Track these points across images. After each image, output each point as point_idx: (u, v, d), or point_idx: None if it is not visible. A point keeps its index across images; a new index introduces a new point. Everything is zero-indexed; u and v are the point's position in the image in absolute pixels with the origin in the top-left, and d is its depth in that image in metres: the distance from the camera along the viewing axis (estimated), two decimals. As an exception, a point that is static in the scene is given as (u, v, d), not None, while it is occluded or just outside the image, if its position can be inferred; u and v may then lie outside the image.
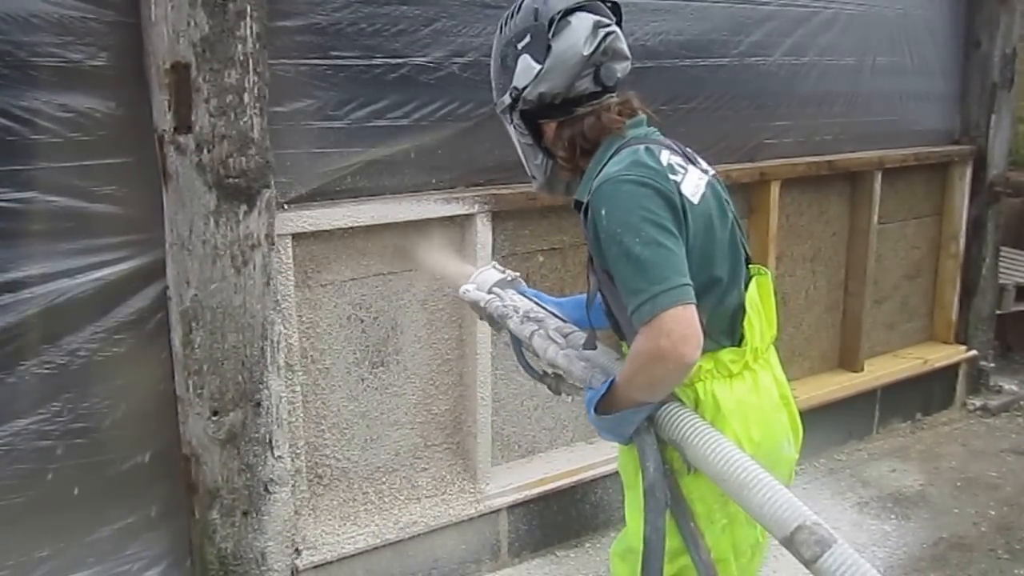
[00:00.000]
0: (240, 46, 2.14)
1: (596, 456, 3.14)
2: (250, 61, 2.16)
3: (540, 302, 1.96)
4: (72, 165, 2.07)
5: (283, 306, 2.39)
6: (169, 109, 2.07)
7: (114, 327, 2.19)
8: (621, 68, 1.71)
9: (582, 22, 1.65)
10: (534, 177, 1.82)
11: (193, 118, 2.10)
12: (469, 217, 2.73)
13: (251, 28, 2.15)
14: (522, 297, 1.96)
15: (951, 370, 4.38)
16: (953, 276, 4.35)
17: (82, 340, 2.15)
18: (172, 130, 2.09)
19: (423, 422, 2.86)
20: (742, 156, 3.47)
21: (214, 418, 2.27)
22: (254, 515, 2.40)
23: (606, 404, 1.59)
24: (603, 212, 1.54)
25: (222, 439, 2.30)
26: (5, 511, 2.11)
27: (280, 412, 2.40)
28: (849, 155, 3.80)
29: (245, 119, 2.18)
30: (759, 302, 1.69)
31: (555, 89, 1.67)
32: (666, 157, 1.60)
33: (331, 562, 2.62)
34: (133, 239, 2.19)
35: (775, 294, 1.76)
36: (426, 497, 2.87)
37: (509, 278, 2.00)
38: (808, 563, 1.24)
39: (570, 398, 1.94)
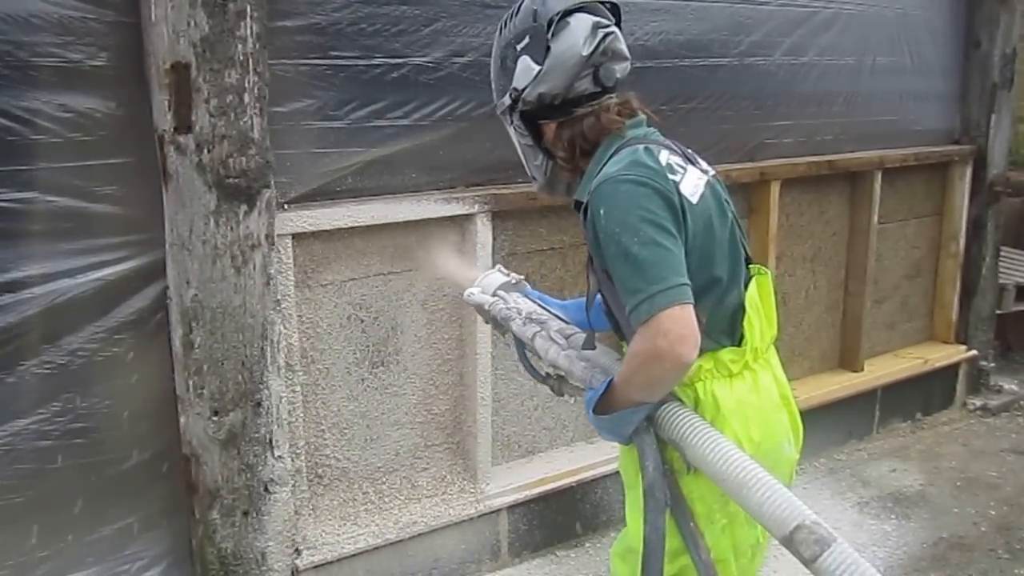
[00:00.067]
0: (240, 46, 2.14)
1: (596, 456, 3.14)
2: (250, 61, 2.16)
3: (544, 304, 1.96)
4: (72, 165, 2.07)
5: (283, 306, 2.39)
6: (169, 109, 2.07)
7: (114, 327, 2.19)
8: (620, 68, 1.71)
9: (581, 23, 1.65)
10: (534, 178, 1.83)
11: (193, 118, 2.10)
12: (469, 217, 2.73)
13: (251, 28, 2.15)
14: (526, 300, 1.97)
15: (951, 370, 4.38)
16: (953, 276, 4.35)
17: (82, 340, 2.15)
18: (172, 130, 2.09)
19: (423, 422, 2.86)
20: (742, 156, 3.47)
21: (214, 418, 2.27)
22: (254, 515, 2.40)
23: (605, 404, 1.59)
24: (602, 212, 1.54)
25: (222, 439, 2.30)
26: (5, 511, 2.11)
27: (280, 412, 2.40)
28: (849, 155, 3.80)
29: (245, 119, 2.18)
30: (759, 302, 1.69)
31: (554, 90, 1.67)
32: (665, 157, 1.60)
33: (331, 562, 2.62)
34: (133, 239, 2.19)
35: (775, 294, 1.76)
36: (426, 497, 2.87)
37: (514, 281, 2.01)
38: (808, 562, 1.24)
39: (572, 399, 1.95)
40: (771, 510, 1.31)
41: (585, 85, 1.68)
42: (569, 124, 1.71)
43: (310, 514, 2.63)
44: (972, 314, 4.43)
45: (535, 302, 1.96)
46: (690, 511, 1.62)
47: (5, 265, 2.02)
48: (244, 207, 2.22)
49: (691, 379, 1.62)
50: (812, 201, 3.80)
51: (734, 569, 1.68)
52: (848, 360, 4.04)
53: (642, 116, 1.73)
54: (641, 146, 1.62)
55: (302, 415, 2.55)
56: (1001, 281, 4.58)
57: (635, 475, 1.64)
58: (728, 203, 1.70)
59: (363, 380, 2.71)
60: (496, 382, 2.95)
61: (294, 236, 2.43)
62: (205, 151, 2.13)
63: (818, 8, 3.55)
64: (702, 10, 3.18)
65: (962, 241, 4.32)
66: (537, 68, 1.66)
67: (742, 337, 1.65)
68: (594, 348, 1.75)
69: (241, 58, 2.14)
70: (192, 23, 2.05)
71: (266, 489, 2.40)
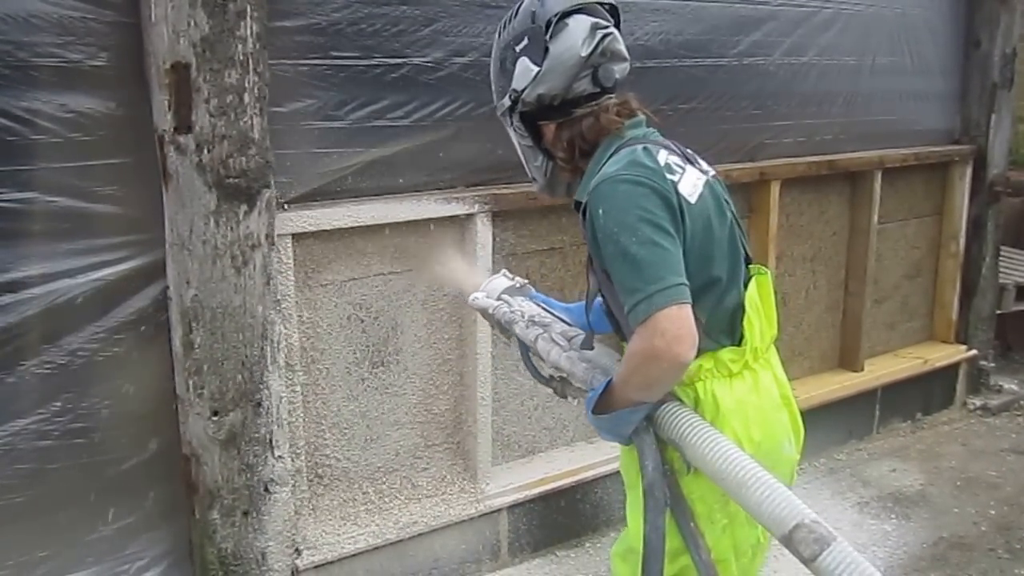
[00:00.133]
0: (240, 46, 2.14)
1: (596, 456, 3.14)
2: (250, 61, 2.16)
3: (548, 308, 1.97)
4: (72, 165, 2.07)
5: (283, 306, 2.40)
6: (169, 109, 2.07)
7: (114, 327, 2.19)
8: (619, 69, 1.72)
9: (579, 24, 1.65)
10: (534, 179, 1.83)
11: (193, 118, 2.10)
12: (469, 217, 2.73)
13: (251, 28, 2.15)
14: (530, 303, 1.97)
15: (951, 370, 4.38)
16: (953, 276, 4.35)
17: (82, 340, 2.15)
18: (172, 130, 2.09)
19: (423, 422, 2.86)
20: (742, 156, 3.47)
21: (214, 418, 2.27)
22: (254, 515, 2.40)
23: (604, 404, 1.59)
24: (600, 211, 1.54)
25: (222, 439, 2.30)
26: (5, 511, 2.11)
27: (280, 412, 2.40)
28: (849, 155, 3.80)
29: (245, 119, 2.18)
30: (759, 302, 1.69)
31: (553, 91, 1.68)
32: (664, 157, 1.61)
33: (331, 562, 2.62)
34: (133, 239, 2.19)
35: (775, 294, 1.76)
36: (426, 497, 2.87)
37: (518, 285, 2.02)
38: (807, 561, 1.24)
39: (575, 401, 1.95)
40: (770, 509, 1.31)
41: (584, 86, 1.68)
42: (568, 125, 1.71)
43: (310, 514, 2.63)
44: (972, 314, 4.43)
45: (540, 305, 1.97)
46: (690, 511, 1.62)
47: (5, 265, 2.02)
48: (244, 207, 2.22)
49: (691, 379, 1.62)
50: (812, 201, 3.80)
51: (735, 569, 1.68)
52: (848, 360, 4.04)
53: (641, 116, 1.74)
54: (640, 146, 1.62)
55: (302, 415, 2.56)
56: (1001, 281, 4.58)
57: (636, 475, 1.64)
58: (728, 203, 1.71)
59: (363, 380, 2.71)
60: (496, 382, 2.95)
61: (294, 236, 2.43)
62: (205, 151, 2.13)
63: (818, 8, 3.55)
64: (702, 10, 3.18)
65: (962, 241, 4.32)
66: (536, 69, 1.66)
67: (742, 337, 1.66)
68: (592, 348, 1.75)
69: (241, 58, 2.14)
70: (192, 23, 2.05)
71: (266, 489, 2.40)
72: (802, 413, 1.79)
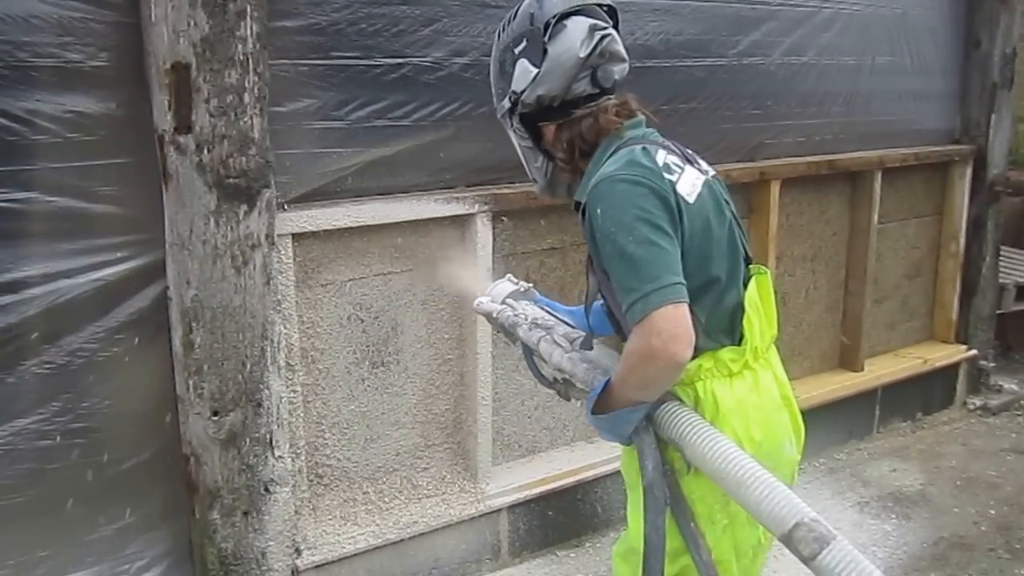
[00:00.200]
0: (240, 46, 2.14)
1: (597, 456, 3.14)
2: (250, 61, 2.16)
3: (552, 311, 1.98)
4: (72, 165, 2.07)
5: (283, 306, 2.40)
6: (169, 109, 2.08)
7: (114, 327, 2.19)
8: (618, 70, 1.72)
9: (578, 25, 1.66)
10: (535, 180, 1.84)
11: (193, 118, 2.10)
12: (469, 217, 2.73)
13: (251, 28, 2.15)
14: (534, 307, 1.98)
15: (951, 369, 4.38)
16: (953, 275, 4.35)
17: (82, 340, 2.15)
18: (172, 130, 2.09)
19: (423, 422, 2.86)
20: (742, 156, 3.47)
21: (214, 418, 2.27)
22: (254, 515, 2.40)
23: (603, 404, 1.59)
24: (598, 211, 1.55)
25: (222, 439, 2.30)
26: (5, 511, 2.12)
27: (280, 412, 2.40)
28: (849, 155, 3.80)
29: (245, 119, 2.18)
30: (759, 301, 1.69)
31: (552, 92, 1.68)
32: (662, 157, 1.61)
33: (331, 562, 2.62)
34: (133, 239, 2.19)
35: (775, 293, 1.76)
36: (426, 497, 2.87)
37: (522, 289, 2.03)
38: (807, 560, 1.24)
39: (579, 403, 1.96)
40: (770, 508, 1.31)
41: (583, 87, 1.69)
42: (568, 125, 1.72)
43: (310, 514, 2.63)
44: (972, 314, 4.43)
45: (544, 309, 1.98)
46: (691, 511, 1.62)
47: (5, 265, 2.03)
48: (244, 207, 2.22)
49: (691, 378, 1.62)
50: (812, 201, 3.80)
51: (735, 570, 1.68)
52: (848, 360, 4.04)
53: (641, 117, 1.74)
54: (638, 146, 1.63)
55: (302, 415, 2.56)
56: (1001, 281, 4.58)
57: (637, 476, 1.64)
58: (728, 203, 1.71)
59: (363, 380, 2.71)
60: (496, 382, 2.95)
61: (294, 236, 2.43)
62: (205, 151, 2.13)
63: (818, 8, 3.55)
64: (702, 10, 3.19)
65: (962, 241, 4.32)
66: (535, 71, 1.67)
67: (742, 336, 1.66)
68: (591, 348, 1.76)
69: (241, 58, 2.14)
70: (192, 23, 2.06)
71: (266, 489, 2.40)
72: (802, 413, 1.79)
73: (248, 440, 2.34)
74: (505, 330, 1.96)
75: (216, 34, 2.09)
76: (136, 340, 2.23)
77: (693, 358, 1.57)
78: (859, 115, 3.81)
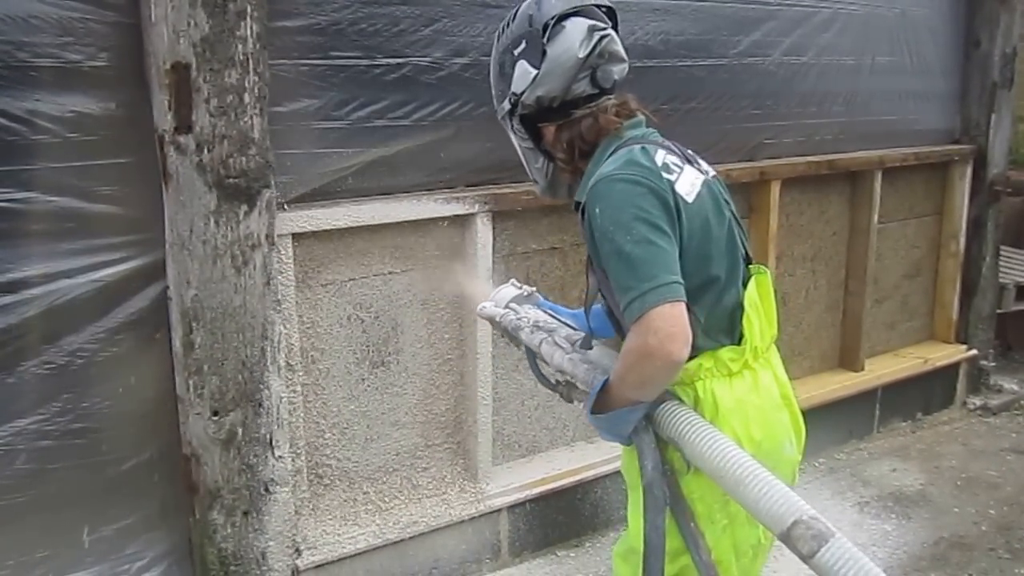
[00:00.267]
0: (240, 46, 2.14)
1: (597, 456, 3.14)
2: (250, 61, 2.16)
3: (555, 314, 1.98)
4: (72, 165, 2.07)
5: (283, 306, 2.40)
6: (169, 109, 2.08)
7: (114, 327, 2.19)
8: (618, 70, 1.73)
9: (576, 26, 1.67)
10: (536, 181, 1.85)
11: (193, 118, 2.10)
12: (469, 217, 2.74)
13: (251, 28, 2.15)
14: (537, 310, 1.99)
15: (951, 369, 4.38)
16: (953, 275, 4.35)
17: (82, 340, 2.15)
18: (172, 130, 2.09)
19: (423, 422, 2.86)
20: (742, 156, 3.47)
21: (214, 418, 2.27)
22: (255, 515, 2.40)
23: (602, 403, 1.60)
24: (597, 210, 1.55)
25: (222, 439, 2.30)
26: (5, 511, 2.12)
27: (280, 412, 2.40)
28: (849, 154, 3.80)
29: (245, 119, 2.18)
30: (759, 301, 1.69)
31: (552, 92, 1.69)
32: (661, 157, 1.61)
33: (332, 562, 2.62)
34: (133, 239, 2.19)
35: (775, 293, 1.76)
36: (427, 497, 2.87)
37: (526, 293, 2.04)
38: (806, 558, 1.24)
39: (581, 404, 1.97)
40: (768, 506, 1.31)
41: (583, 87, 1.69)
42: (568, 126, 1.72)
43: (310, 514, 2.63)
44: (972, 313, 4.43)
45: (547, 312, 1.99)
46: (690, 511, 1.62)
47: (5, 265, 2.03)
48: (244, 207, 2.22)
49: (691, 378, 1.62)
50: (812, 201, 3.80)
51: (735, 570, 1.68)
52: (848, 359, 4.04)
53: (640, 117, 1.75)
54: (637, 146, 1.63)
55: (302, 415, 2.56)
56: (1001, 280, 4.58)
57: (637, 476, 1.64)
58: (728, 203, 1.71)
59: (363, 380, 2.71)
60: (496, 382, 2.95)
61: (294, 236, 2.43)
62: (205, 151, 2.13)
63: (818, 8, 3.55)
64: (702, 10, 3.19)
65: (962, 240, 4.32)
66: (534, 72, 1.68)
67: (742, 336, 1.66)
68: (591, 347, 1.76)
69: (241, 58, 2.14)
70: (192, 23, 2.06)
71: (266, 489, 2.40)
72: (802, 413, 1.79)
73: (248, 440, 2.34)
74: (508, 334, 1.97)
75: (216, 34, 2.09)
76: (136, 340, 2.23)
77: (693, 357, 1.58)
78: (859, 115, 3.81)
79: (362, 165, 2.56)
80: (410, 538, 2.77)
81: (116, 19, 2.07)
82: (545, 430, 3.17)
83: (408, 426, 2.83)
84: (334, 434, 2.68)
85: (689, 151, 1.73)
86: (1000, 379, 4.63)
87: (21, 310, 2.05)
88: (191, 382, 2.24)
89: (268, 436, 2.38)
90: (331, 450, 2.68)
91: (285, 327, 2.41)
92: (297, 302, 2.49)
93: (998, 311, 4.60)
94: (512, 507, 2.99)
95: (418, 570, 2.83)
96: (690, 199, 1.59)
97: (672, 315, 1.45)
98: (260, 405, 2.35)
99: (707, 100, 3.27)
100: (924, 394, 4.30)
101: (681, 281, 1.48)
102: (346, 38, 2.46)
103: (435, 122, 2.66)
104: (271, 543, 2.44)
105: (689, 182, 1.60)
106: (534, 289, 2.05)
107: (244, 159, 2.20)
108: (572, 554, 3.11)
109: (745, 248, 1.73)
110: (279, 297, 2.36)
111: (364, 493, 2.77)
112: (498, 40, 1.78)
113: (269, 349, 2.34)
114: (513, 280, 2.10)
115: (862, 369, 4.02)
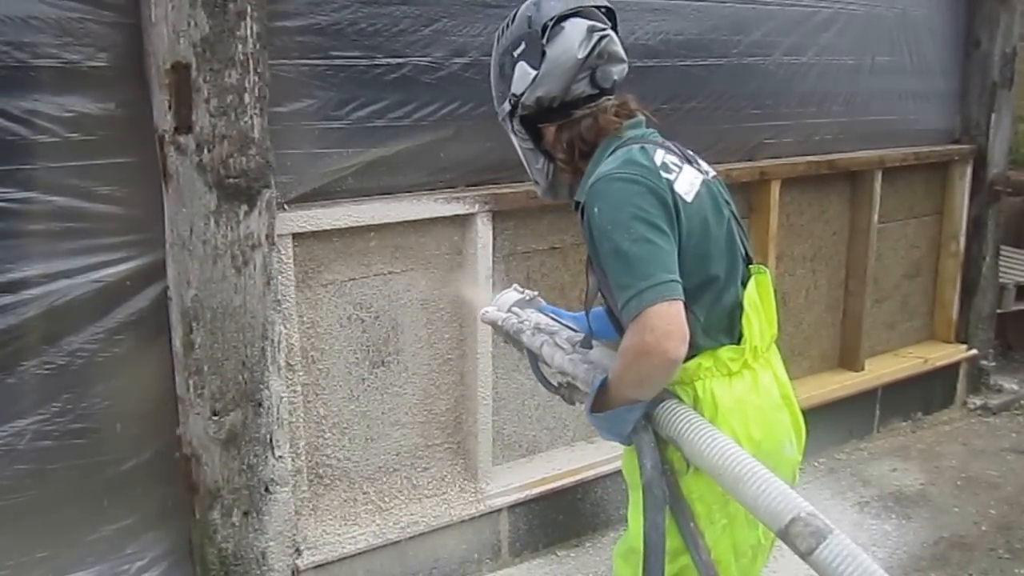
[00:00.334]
0: (240, 46, 2.14)
1: (597, 455, 3.14)
2: (250, 61, 2.16)
3: (557, 318, 1.99)
4: (72, 165, 2.07)
5: (283, 306, 2.40)
6: (169, 109, 2.08)
7: (114, 327, 2.19)
8: (617, 70, 1.73)
9: (576, 27, 1.67)
10: (536, 182, 1.85)
11: (193, 118, 2.10)
12: (469, 217, 2.74)
13: (251, 28, 2.15)
14: (539, 314, 1.99)
15: (952, 369, 4.38)
16: (953, 275, 4.35)
17: (82, 340, 2.15)
18: (172, 130, 2.09)
19: (424, 422, 2.86)
20: (742, 155, 3.47)
21: (214, 418, 2.27)
22: (255, 515, 2.40)
23: (600, 402, 1.60)
24: (596, 210, 1.56)
25: (222, 439, 2.30)
26: (5, 511, 2.12)
27: (281, 412, 2.41)
28: (849, 154, 3.80)
29: (245, 119, 2.18)
30: (758, 301, 1.69)
31: (552, 93, 1.69)
32: (660, 156, 1.62)
33: (332, 562, 2.62)
34: (133, 239, 2.19)
35: (775, 293, 1.76)
36: (427, 497, 2.87)
37: (528, 297, 2.05)
38: (804, 555, 1.24)
39: (582, 405, 1.97)
40: (767, 503, 1.31)
41: (582, 88, 1.70)
42: (568, 126, 1.73)
43: (311, 514, 2.63)
44: (972, 313, 4.43)
45: (549, 316, 1.99)
46: (690, 511, 1.62)
47: (5, 265, 2.03)
48: (244, 207, 2.22)
49: (690, 377, 1.62)
50: (812, 201, 3.80)
51: (734, 570, 1.68)
52: (848, 359, 4.04)
53: (640, 117, 1.75)
54: (636, 146, 1.64)
55: (302, 415, 2.56)
56: (1001, 280, 4.58)
57: (638, 476, 1.64)
58: (728, 203, 1.71)
59: (363, 380, 2.71)
60: (497, 381, 2.95)
61: (294, 236, 2.43)
62: (205, 151, 2.14)
63: (818, 8, 3.55)
64: (702, 10, 3.19)
65: (962, 240, 4.32)
66: (534, 73, 1.68)
67: (741, 336, 1.66)
68: (591, 347, 1.76)
69: (241, 58, 2.14)
70: (192, 23, 2.06)
71: (266, 489, 2.40)
72: (803, 413, 1.78)
73: (248, 440, 2.34)
74: (511, 337, 1.98)
75: (216, 34, 2.09)
76: (136, 340, 2.23)
77: (692, 357, 1.58)
78: (859, 115, 3.81)
79: (362, 165, 2.56)
80: (410, 538, 2.77)
81: (116, 19, 2.07)
82: (545, 430, 3.17)
83: (408, 426, 2.83)
84: (334, 434, 2.68)
85: (689, 151, 1.73)
86: (1000, 379, 4.63)
87: (21, 310, 2.05)
88: (191, 382, 2.24)
89: (268, 436, 2.38)
90: (331, 450, 2.69)
91: (285, 327, 2.41)
92: (297, 302, 2.49)
93: (998, 311, 4.60)
94: (512, 507, 2.99)
95: (418, 570, 2.83)
96: (689, 198, 1.59)
97: (669, 313, 1.45)
98: (260, 405, 2.35)
99: (707, 100, 3.27)
100: (924, 394, 4.30)
101: (679, 280, 1.49)
102: (346, 38, 2.46)
103: (435, 122, 2.66)
104: (271, 543, 2.44)
105: (688, 181, 1.61)
106: (536, 293, 2.07)
107: (244, 159, 2.20)
108: (572, 554, 3.11)
109: (745, 248, 1.73)
110: (279, 297, 2.36)
111: (364, 493, 2.77)
112: (498, 41, 1.79)
113: (269, 349, 2.34)
114: (516, 285, 2.11)
115: (862, 369, 4.02)
